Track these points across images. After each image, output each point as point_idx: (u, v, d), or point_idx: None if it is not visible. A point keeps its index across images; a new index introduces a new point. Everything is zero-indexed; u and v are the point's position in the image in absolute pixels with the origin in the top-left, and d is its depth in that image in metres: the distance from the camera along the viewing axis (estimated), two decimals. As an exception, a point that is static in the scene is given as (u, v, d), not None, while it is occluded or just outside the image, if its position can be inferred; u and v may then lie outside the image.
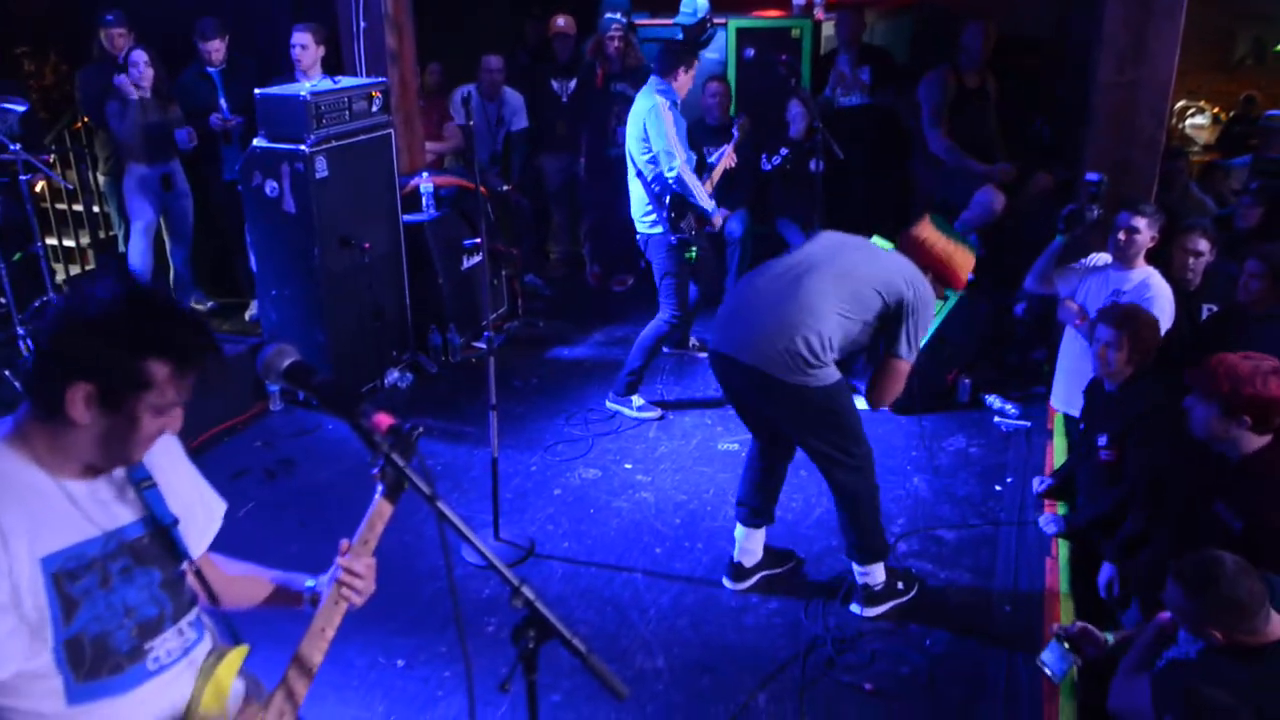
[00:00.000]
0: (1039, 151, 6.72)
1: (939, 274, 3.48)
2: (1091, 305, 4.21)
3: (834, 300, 3.27)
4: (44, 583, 1.57)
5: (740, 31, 6.73)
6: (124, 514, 1.71)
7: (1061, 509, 4.12)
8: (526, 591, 1.50)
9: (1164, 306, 4.09)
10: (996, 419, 4.99)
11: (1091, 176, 4.32)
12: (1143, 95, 4.74)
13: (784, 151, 6.23)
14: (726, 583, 3.76)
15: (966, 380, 5.18)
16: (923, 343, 3.44)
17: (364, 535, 1.81)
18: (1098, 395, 3.92)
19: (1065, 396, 4.47)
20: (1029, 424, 4.92)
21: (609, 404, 5.17)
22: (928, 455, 4.69)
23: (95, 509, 1.66)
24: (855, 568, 3.60)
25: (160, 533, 1.75)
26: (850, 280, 3.31)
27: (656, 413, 5.09)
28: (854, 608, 3.61)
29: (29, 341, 4.93)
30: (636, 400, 5.10)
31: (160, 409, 1.61)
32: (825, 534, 4.07)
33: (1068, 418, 4.54)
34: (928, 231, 3.50)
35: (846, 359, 3.45)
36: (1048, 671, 2.92)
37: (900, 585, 3.67)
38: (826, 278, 3.31)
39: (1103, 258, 4.36)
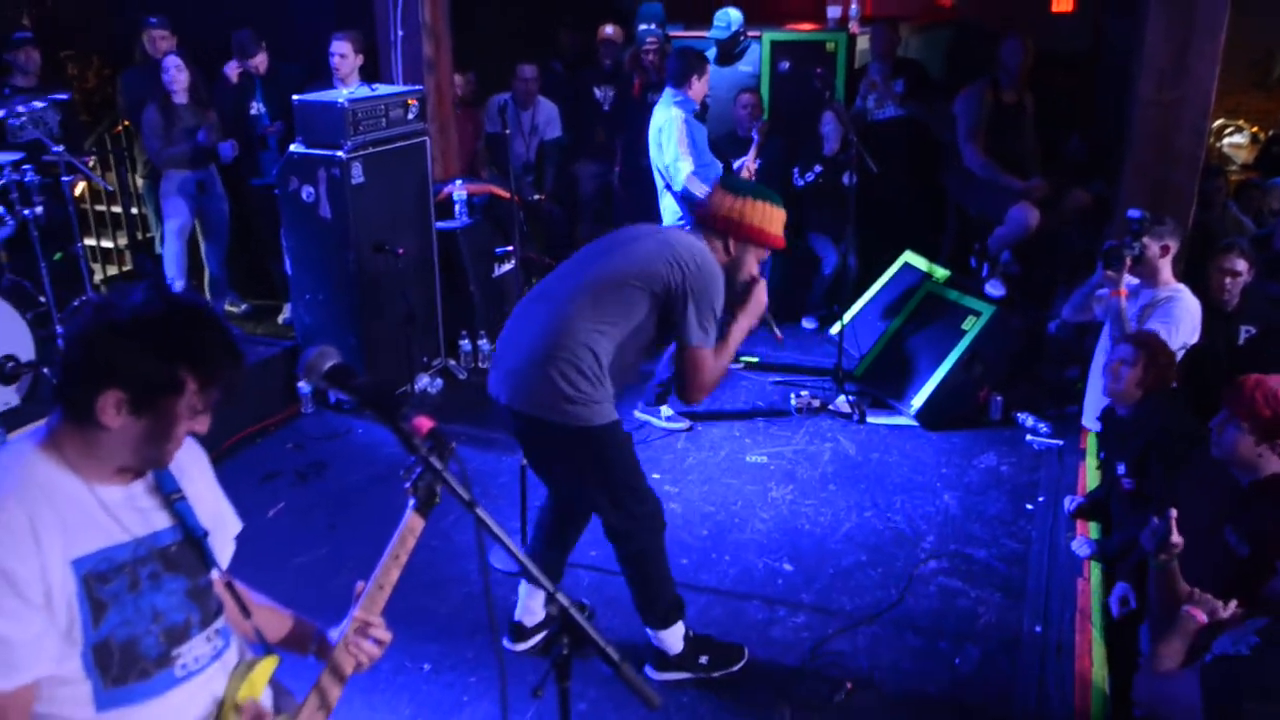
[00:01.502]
0: (1075, 168, 6.68)
1: (743, 237, 3.11)
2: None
3: (589, 318, 2.91)
4: (75, 585, 1.58)
5: (775, 45, 6.73)
6: (155, 522, 1.73)
7: (1094, 532, 4.07)
8: (561, 598, 1.50)
9: (1188, 321, 4.07)
10: (1029, 437, 4.94)
11: (1134, 214, 4.21)
12: (1183, 113, 4.70)
13: (818, 169, 6.23)
14: (506, 643, 3.42)
15: (998, 397, 5.14)
16: (720, 321, 3.08)
17: (395, 550, 1.82)
18: (1112, 422, 3.89)
19: (1098, 416, 4.42)
20: (1061, 443, 4.87)
21: (638, 414, 5.17)
22: (958, 472, 4.66)
23: (127, 515, 1.68)
24: (647, 631, 3.29)
25: (191, 543, 1.77)
26: (604, 287, 2.96)
27: (685, 424, 5.08)
28: (646, 667, 3.32)
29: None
30: (665, 410, 5.10)
31: (189, 413, 1.63)
32: (854, 549, 4.04)
33: (1098, 434, 4.49)
34: (717, 196, 3.14)
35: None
36: None
37: (704, 659, 3.29)
38: (579, 293, 2.96)
39: (1131, 280, 4.32)
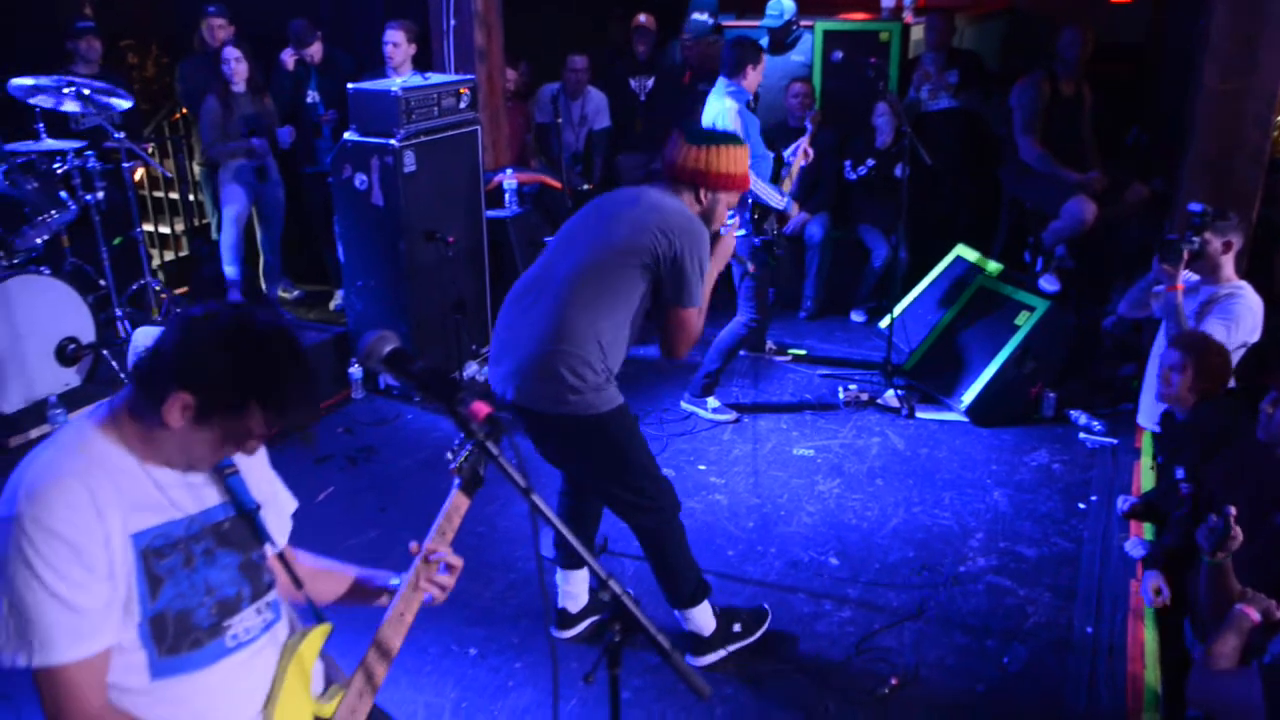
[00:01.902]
0: (1135, 161, 6.54)
1: (713, 184, 3.07)
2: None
3: (589, 304, 2.90)
4: (134, 559, 1.63)
5: (827, 34, 6.66)
6: (208, 498, 1.77)
7: (1148, 533, 4.00)
8: (614, 585, 1.50)
9: (1248, 319, 3.97)
10: (1082, 435, 4.86)
11: (1194, 207, 4.10)
12: (1248, 104, 4.58)
13: (870, 162, 6.16)
14: (553, 631, 3.47)
15: (1051, 394, 5.05)
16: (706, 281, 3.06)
17: (441, 527, 1.85)
18: (1172, 426, 3.81)
19: (1153, 415, 4.33)
20: (1116, 441, 4.78)
21: (684, 405, 5.16)
22: (1008, 469, 4.59)
23: (181, 494, 1.72)
24: (677, 615, 3.32)
25: (244, 517, 1.81)
26: (597, 269, 2.93)
27: (732, 415, 5.07)
28: (687, 658, 3.30)
29: (127, 324, 5.10)
30: (712, 402, 5.08)
31: (243, 438, 1.68)
32: (901, 544, 4.01)
33: (1155, 437, 4.41)
34: (680, 148, 3.07)
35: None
36: None
37: (737, 627, 3.36)
38: (573, 280, 2.93)
39: (1191, 276, 4.22)
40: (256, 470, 1.91)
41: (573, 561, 3.46)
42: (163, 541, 1.67)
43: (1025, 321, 5.05)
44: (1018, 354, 4.97)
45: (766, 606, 3.51)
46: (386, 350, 1.69)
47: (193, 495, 1.75)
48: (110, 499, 1.60)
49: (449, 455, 1.85)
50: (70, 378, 4.57)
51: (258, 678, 1.81)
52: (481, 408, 1.57)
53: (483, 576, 3.82)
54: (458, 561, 1.90)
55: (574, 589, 3.48)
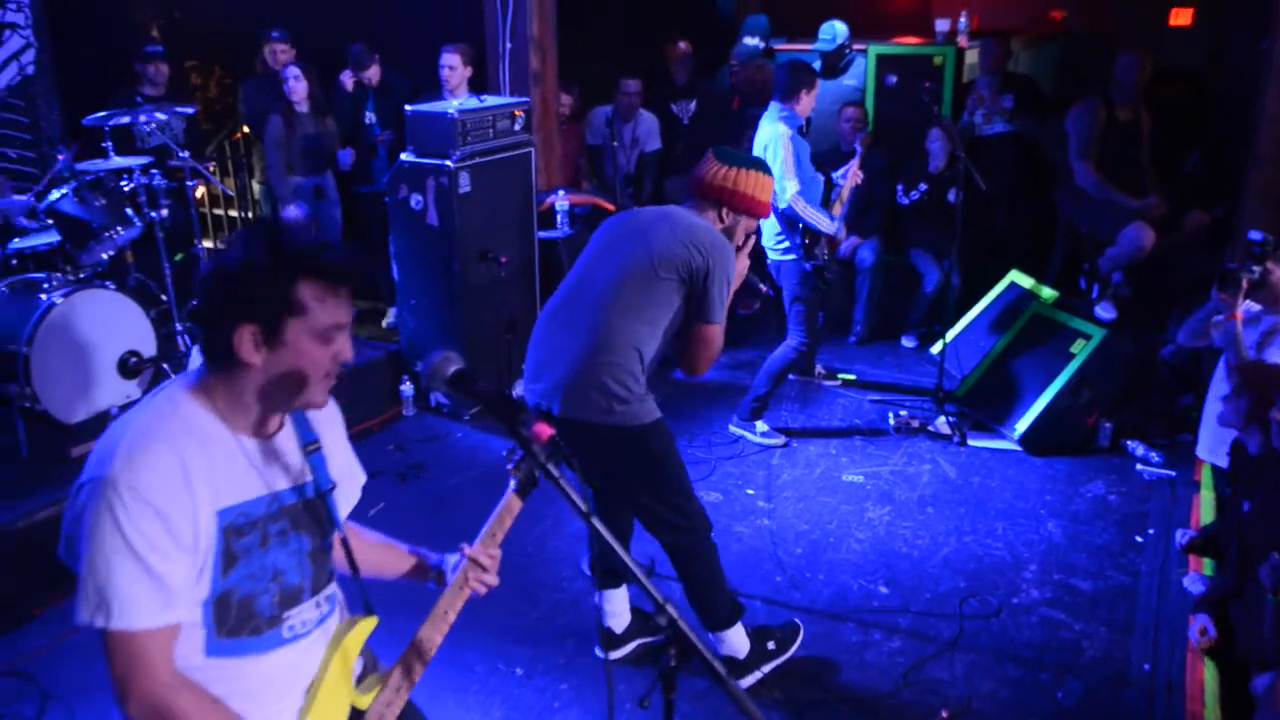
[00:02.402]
0: (1194, 187, 6.43)
1: (737, 205, 3.14)
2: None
3: (631, 315, 2.94)
4: (216, 535, 1.64)
5: (881, 58, 6.65)
6: (289, 476, 1.78)
7: (1208, 568, 3.91)
8: (671, 610, 1.50)
9: None
10: (1139, 466, 4.76)
11: (1255, 235, 4.01)
12: (1315, 132, 4.50)
13: (923, 187, 6.12)
14: (598, 652, 3.47)
15: (1108, 424, 4.97)
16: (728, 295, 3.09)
17: (492, 529, 1.87)
18: (1242, 458, 3.71)
19: (1213, 447, 4.22)
20: (1174, 473, 4.68)
21: (733, 428, 5.15)
22: (1063, 500, 4.52)
23: (265, 468, 1.73)
24: (711, 639, 3.27)
25: (318, 499, 1.82)
26: (634, 281, 2.97)
27: (780, 439, 5.04)
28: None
29: (186, 338, 5.21)
30: (761, 426, 5.07)
31: (322, 334, 1.65)
32: (952, 574, 3.96)
33: (1215, 470, 4.31)
34: (710, 166, 3.15)
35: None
36: None
37: (771, 645, 3.35)
38: (611, 292, 2.97)
39: (1251, 306, 4.13)
40: (337, 444, 1.93)
41: (609, 582, 3.47)
42: (244, 520, 1.68)
43: (1081, 349, 4.98)
44: (1073, 382, 4.90)
45: (799, 621, 3.49)
46: (451, 371, 1.72)
47: (277, 472, 1.75)
48: (201, 471, 1.62)
49: (506, 454, 1.87)
50: (131, 390, 4.66)
51: (306, 667, 1.83)
52: (544, 430, 1.58)
53: (530, 596, 3.83)
54: (496, 552, 1.93)
55: (616, 608, 3.49)
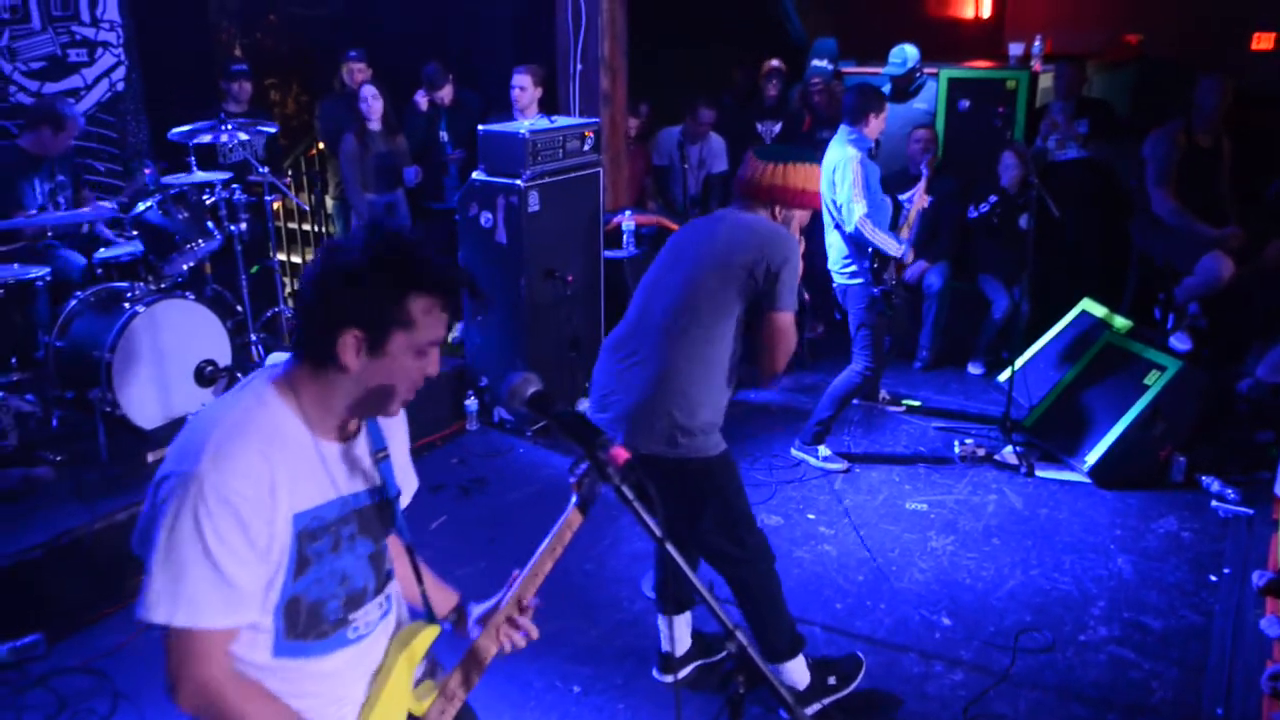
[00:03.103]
0: (1275, 216, 6.25)
1: (789, 200, 3.13)
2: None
3: (697, 336, 2.94)
4: (291, 539, 1.64)
5: (952, 82, 6.60)
6: (359, 480, 1.79)
7: (1287, 609, 3.78)
8: (740, 637, 1.50)
9: None
10: (1214, 503, 4.63)
11: None
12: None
13: (992, 199, 6.01)
14: (655, 674, 3.47)
15: (1181, 458, 4.83)
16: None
17: (552, 544, 1.88)
18: None
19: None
20: (1251, 511, 4.54)
21: (794, 451, 5.12)
22: (1134, 535, 4.41)
23: (340, 472, 1.74)
24: (770, 669, 3.26)
25: (385, 504, 1.83)
26: (700, 297, 2.96)
27: (843, 465, 5.00)
28: (781, 714, 3.22)
29: (260, 348, 5.34)
30: (823, 450, 5.03)
31: (421, 349, 1.67)
32: (1018, 607, 3.88)
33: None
34: (756, 166, 3.14)
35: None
36: None
37: (833, 680, 3.30)
38: (678, 314, 2.96)
39: None
40: (399, 453, 1.94)
41: (673, 608, 3.43)
42: (318, 524, 1.69)
43: (1155, 381, 4.86)
44: (1146, 414, 4.78)
45: (861, 655, 3.44)
46: (530, 392, 1.75)
47: (349, 475, 1.76)
48: (284, 475, 1.62)
49: (570, 468, 1.88)
50: (206, 398, 4.79)
51: (368, 665, 1.86)
52: (621, 453, 1.59)
53: (590, 615, 3.84)
54: (534, 632, 1.95)
55: (678, 634, 3.46)
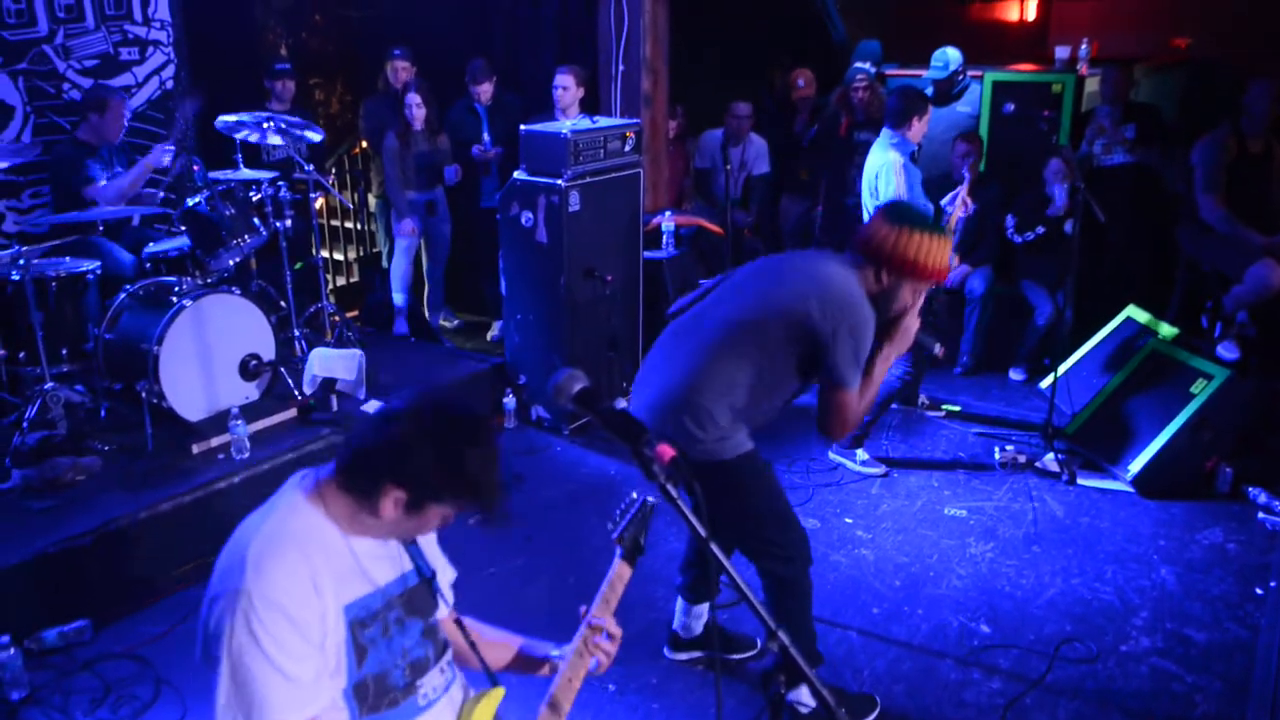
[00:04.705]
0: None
1: (896, 269, 2.89)
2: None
3: (728, 363, 2.87)
4: (345, 631, 1.75)
5: (997, 85, 6.53)
6: (395, 568, 1.89)
7: (1336, 624, 3.71)
8: (783, 636, 1.50)
9: None
10: (1261, 515, 4.54)
11: None
12: None
13: (1040, 230, 5.90)
14: (666, 652, 3.59)
15: (1228, 469, 4.75)
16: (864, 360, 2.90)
17: (605, 596, 1.93)
18: None
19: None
20: (1300, 524, 4.46)
21: (832, 455, 5.10)
22: (1178, 546, 4.34)
23: (374, 565, 1.84)
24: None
25: (423, 584, 1.93)
26: (746, 326, 2.91)
27: (881, 469, 4.97)
28: None
29: (303, 344, 5.41)
30: (861, 454, 5.00)
31: (445, 520, 1.81)
32: (1058, 616, 3.83)
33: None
34: (876, 223, 2.95)
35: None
36: None
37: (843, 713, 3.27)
38: (721, 331, 2.93)
39: None
40: (428, 543, 2.04)
41: (694, 596, 3.49)
42: (366, 614, 1.80)
43: (1201, 390, 4.78)
44: (1192, 423, 4.71)
45: (878, 699, 3.34)
46: (576, 389, 1.77)
47: (385, 567, 1.86)
48: (325, 574, 1.72)
49: (610, 525, 1.91)
50: (250, 391, 4.87)
51: None
52: (666, 450, 1.60)
53: (624, 614, 3.78)
54: (617, 631, 2.01)
55: (691, 620, 3.54)
